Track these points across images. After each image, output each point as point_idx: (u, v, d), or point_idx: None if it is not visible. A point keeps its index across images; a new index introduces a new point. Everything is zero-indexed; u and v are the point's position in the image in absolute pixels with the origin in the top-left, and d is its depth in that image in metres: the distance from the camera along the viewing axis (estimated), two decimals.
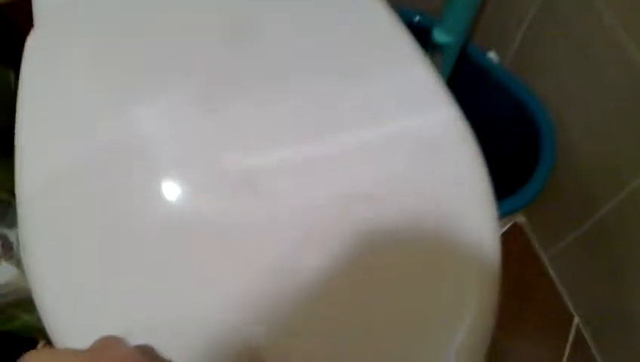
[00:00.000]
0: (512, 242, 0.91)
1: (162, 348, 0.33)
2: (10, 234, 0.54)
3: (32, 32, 0.51)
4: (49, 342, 0.34)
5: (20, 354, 0.24)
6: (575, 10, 0.68)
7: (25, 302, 0.58)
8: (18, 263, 0.53)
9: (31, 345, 0.68)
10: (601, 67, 0.67)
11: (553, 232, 0.87)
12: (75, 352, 0.25)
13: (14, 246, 0.54)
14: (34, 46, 0.49)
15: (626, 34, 0.61)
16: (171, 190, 0.40)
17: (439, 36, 0.63)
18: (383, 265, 0.38)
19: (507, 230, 0.94)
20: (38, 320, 0.34)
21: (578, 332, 0.87)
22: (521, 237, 0.94)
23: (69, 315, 0.35)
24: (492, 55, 0.81)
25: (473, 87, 0.78)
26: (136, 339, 0.31)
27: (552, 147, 0.69)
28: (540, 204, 0.84)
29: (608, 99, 0.67)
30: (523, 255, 0.93)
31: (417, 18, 0.76)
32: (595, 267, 0.80)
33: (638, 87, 0.62)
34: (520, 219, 0.94)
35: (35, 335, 0.67)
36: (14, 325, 0.64)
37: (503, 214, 0.67)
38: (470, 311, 0.36)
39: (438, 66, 0.68)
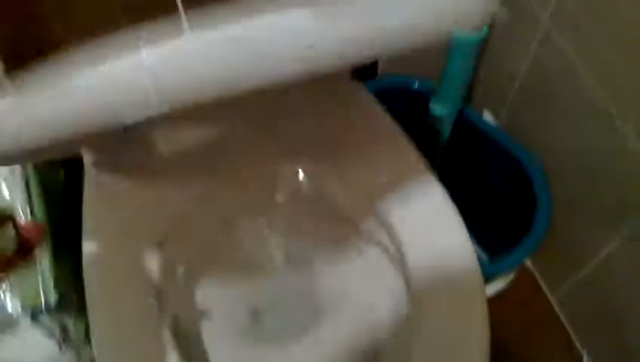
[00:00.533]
0: (519, 284, 0.93)
1: None
2: (68, 323, 0.59)
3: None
4: None
5: None
6: (559, 76, 0.75)
7: None
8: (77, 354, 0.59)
9: None
10: (585, 128, 0.73)
11: (559, 272, 0.91)
12: None
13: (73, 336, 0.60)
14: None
15: (606, 96, 0.68)
16: None
17: (436, 109, 0.70)
18: None
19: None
20: None
21: None
22: (527, 279, 0.98)
23: None
24: (487, 114, 0.88)
25: (471, 146, 0.84)
26: None
27: (547, 199, 0.75)
28: (545, 246, 0.88)
29: (596, 156, 0.73)
30: (531, 296, 0.97)
31: (417, 84, 0.83)
32: (602, 305, 0.83)
33: (615, 141, 0.68)
34: (526, 261, 0.98)
35: None
36: None
37: (510, 266, 0.72)
38: None
39: (437, 135, 0.74)
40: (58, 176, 0.66)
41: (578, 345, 0.92)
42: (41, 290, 0.55)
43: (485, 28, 0.60)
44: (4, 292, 0.54)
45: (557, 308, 0.95)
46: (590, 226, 0.79)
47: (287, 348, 0.75)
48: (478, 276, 0.51)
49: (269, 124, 0.60)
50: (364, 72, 0.61)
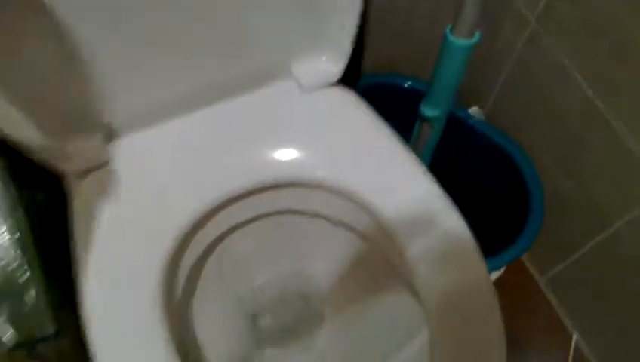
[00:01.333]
0: (508, 268, 0.96)
1: None
2: (66, 348, 0.58)
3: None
4: None
5: None
6: (545, 73, 0.75)
7: None
8: None
9: None
10: (572, 123, 0.74)
11: (549, 258, 0.93)
12: None
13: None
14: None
15: (594, 92, 0.68)
16: None
17: (427, 111, 0.69)
18: None
19: None
20: None
21: (577, 348, 0.93)
22: (517, 264, 1.00)
23: None
24: (475, 110, 0.87)
25: (461, 142, 0.84)
26: None
27: (540, 194, 0.76)
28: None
29: (585, 150, 0.74)
30: (520, 280, 0.99)
31: (409, 83, 0.82)
32: (589, 287, 0.86)
33: (604, 135, 0.69)
34: None
35: None
36: None
37: (506, 263, 0.73)
38: None
39: (428, 135, 0.73)
40: (39, 200, 0.64)
41: (569, 326, 0.94)
42: (37, 321, 0.54)
43: (478, 34, 0.59)
44: (1, 325, 0.53)
45: (546, 292, 0.97)
46: (581, 216, 0.81)
47: (285, 349, 0.75)
48: (486, 279, 0.51)
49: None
50: (347, 75, 0.60)
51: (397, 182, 0.56)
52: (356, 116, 0.60)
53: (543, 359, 0.94)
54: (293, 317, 0.78)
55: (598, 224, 0.77)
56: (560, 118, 0.76)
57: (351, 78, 0.63)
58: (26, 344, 0.53)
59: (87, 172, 0.55)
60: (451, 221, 0.53)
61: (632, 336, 0.81)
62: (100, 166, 0.55)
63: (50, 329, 0.54)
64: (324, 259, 0.75)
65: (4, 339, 0.52)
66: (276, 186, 0.60)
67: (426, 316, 0.51)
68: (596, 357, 0.91)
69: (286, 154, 0.58)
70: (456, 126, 0.79)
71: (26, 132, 0.49)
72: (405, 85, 0.81)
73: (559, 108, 0.75)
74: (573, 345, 0.93)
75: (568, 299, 0.93)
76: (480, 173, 0.86)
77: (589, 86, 0.68)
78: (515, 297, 0.97)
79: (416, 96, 0.71)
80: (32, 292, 0.54)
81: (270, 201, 0.63)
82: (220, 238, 0.66)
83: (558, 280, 0.93)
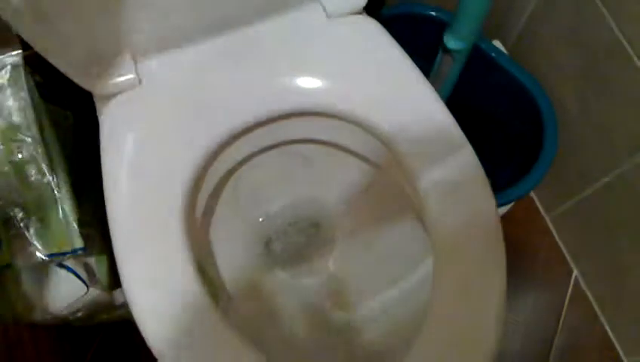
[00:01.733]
0: (518, 205, 0.97)
1: None
2: (92, 262, 0.61)
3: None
4: None
5: None
6: (570, 5, 0.73)
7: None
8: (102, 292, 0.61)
9: None
10: (596, 59, 0.73)
11: (557, 195, 0.95)
12: None
13: (98, 275, 0.62)
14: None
15: (618, 28, 0.67)
16: None
17: (450, 42, 0.68)
18: None
19: None
20: None
21: (576, 284, 0.96)
22: (526, 201, 1.02)
23: None
24: (497, 43, 0.85)
25: (480, 74, 0.83)
26: None
27: (554, 133, 0.76)
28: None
29: (604, 87, 0.73)
30: (528, 216, 1.01)
31: (433, 13, 0.80)
32: (592, 226, 0.88)
33: (626, 72, 0.68)
34: None
35: None
36: None
37: (517, 197, 0.74)
38: None
39: (449, 68, 0.73)
40: (68, 119, 0.65)
41: (570, 262, 0.97)
42: (66, 236, 0.57)
43: None
44: (30, 238, 0.56)
45: (552, 228, 0.99)
46: (592, 156, 0.81)
47: (296, 272, 0.78)
48: (494, 213, 0.52)
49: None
50: (372, 4, 0.59)
51: (414, 115, 0.57)
52: (378, 46, 0.60)
53: (542, 292, 0.98)
54: (305, 242, 0.80)
55: (609, 164, 0.78)
56: (584, 55, 0.75)
57: (375, 7, 0.61)
58: (55, 256, 0.56)
59: (116, 92, 0.55)
60: (464, 155, 0.54)
61: (629, 277, 0.83)
62: (129, 86, 0.55)
63: (78, 243, 0.57)
64: (338, 187, 0.76)
65: (36, 251, 0.55)
66: (295, 114, 0.60)
67: (432, 245, 0.52)
68: (593, 294, 0.94)
69: (306, 82, 0.58)
70: (476, 56, 0.78)
71: (59, 49, 0.49)
72: (429, 16, 0.80)
73: (584, 46, 0.74)
74: (572, 280, 0.96)
75: (572, 236, 0.96)
76: (496, 106, 0.85)
77: (617, 23, 0.67)
78: (522, 232, 1.00)
79: (440, 27, 0.69)
80: (61, 209, 0.57)
81: (288, 129, 0.64)
82: (239, 165, 0.67)
83: (565, 217, 0.95)
